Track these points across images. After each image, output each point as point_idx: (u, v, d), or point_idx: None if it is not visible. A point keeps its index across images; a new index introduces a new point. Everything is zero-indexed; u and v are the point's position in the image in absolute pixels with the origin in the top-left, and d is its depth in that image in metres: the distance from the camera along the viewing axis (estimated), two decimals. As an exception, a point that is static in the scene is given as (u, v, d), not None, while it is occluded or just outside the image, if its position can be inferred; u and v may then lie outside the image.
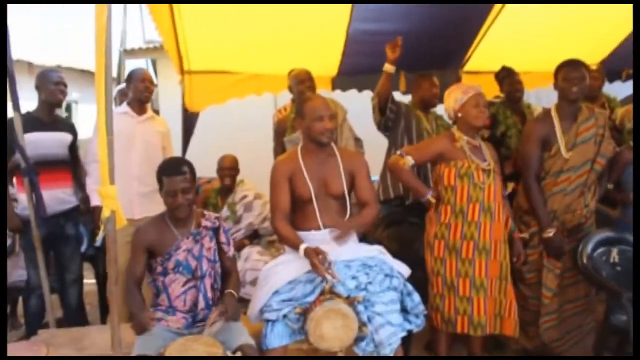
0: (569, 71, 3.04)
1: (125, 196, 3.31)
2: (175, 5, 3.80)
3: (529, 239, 3.09)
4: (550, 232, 2.98)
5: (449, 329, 2.92)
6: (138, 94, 3.55)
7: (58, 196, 3.36)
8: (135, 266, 2.57)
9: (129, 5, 5.61)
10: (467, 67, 5.20)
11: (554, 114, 3.09)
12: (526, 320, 3.14)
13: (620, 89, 5.10)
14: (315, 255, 2.42)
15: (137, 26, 6.52)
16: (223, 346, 2.33)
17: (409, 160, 2.94)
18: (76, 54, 7.54)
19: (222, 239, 2.67)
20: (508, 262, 2.94)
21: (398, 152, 3.03)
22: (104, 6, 2.13)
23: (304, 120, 2.73)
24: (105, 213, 2.01)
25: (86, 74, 7.58)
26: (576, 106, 3.08)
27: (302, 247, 2.50)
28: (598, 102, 4.11)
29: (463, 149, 2.90)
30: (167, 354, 2.24)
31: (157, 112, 4.49)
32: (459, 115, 2.93)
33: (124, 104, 3.65)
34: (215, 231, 2.66)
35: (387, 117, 3.67)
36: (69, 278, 3.49)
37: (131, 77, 3.68)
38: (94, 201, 3.39)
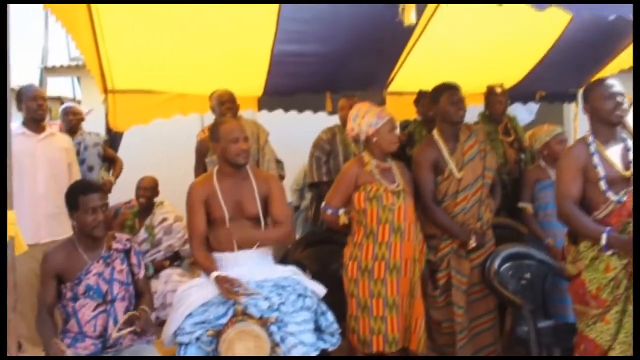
0: (453, 95, 3.23)
1: (32, 218, 3.34)
2: (97, 24, 3.80)
3: (438, 263, 3.24)
4: (473, 242, 3.17)
5: (366, 350, 3.03)
6: (31, 113, 3.53)
7: None
8: (46, 293, 2.59)
9: (51, 22, 5.54)
10: (390, 88, 5.43)
11: (437, 138, 3.27)
12: (444, 344, 3.30)
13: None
14: (224, 283, 2.55)
15: (62, 43, 6.46)
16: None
17: (334, 212, 3.06)
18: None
19: (134, 260, 2.71)
20: (417, 279, 3.09)
21: (323, 208, 3.13)
22: None
23: (219, 143, 2.82)
24: (8, 236, 2.01)
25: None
26: (457, 127, 3.28)
27: (214, 274, 2.62)
28: (502, 123, 4.36)
29: (372, 173, 3.03)
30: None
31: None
32: (374, 139, 3.05)
33: (20, 124, 3.59)
34: (127, 253, 2.69)
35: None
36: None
37: (21, 96, 3.63)
38: None
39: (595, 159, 2.47)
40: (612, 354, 2.39)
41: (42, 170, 3.42)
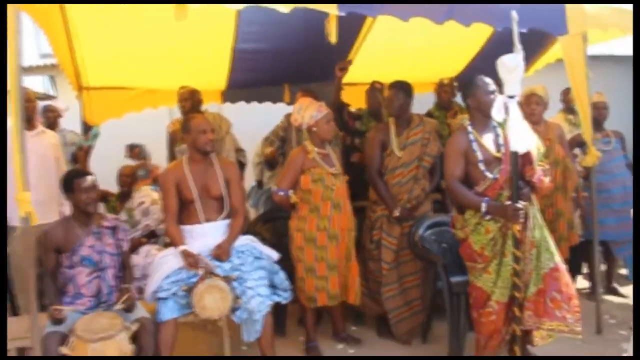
0: (396, 90, 4.04)
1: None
2: (70, 25, 4.32)
3: (374, 223, 4.03)
4: (397, 212, 3.94)
5: (312, 305, 3.81)
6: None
7: None
8: (48, 262, 3.29)
9: (23, 21, 6.08)
10: (344, 80, 6.14)
11: (391, 122, 4.06)
12: (374, 290, 4.10)
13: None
14: (187, 258, 3.32)
15: (32, 40, 7.00)
16: (122, 319, 3.07)
17: (285, 193, 3.78)
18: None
19: (120, 235, 3.42)
20: (352, 245, 3.89)
21: (274, 190, 3.86)
22: (13, 7, 2.70)
23: (189, 134, 3.55)
24: (21, 213, 2.70)
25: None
26: (408, 116, 4.06)
27: (180, 248, 3.38)
28: (452, 110, 5.19)
29: (315, 159, 3.79)
30: (77, 327, 2.96)
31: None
32: (314, 129, 3.80)
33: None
34: (114, 230, 3.40)
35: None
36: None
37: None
38: None
39: (474, 145, 3.24)
40: (494, 297, 3.19)
41: (33, 163, 4.00)
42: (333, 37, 3.17)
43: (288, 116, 4.89)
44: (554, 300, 3.16)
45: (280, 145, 4.82)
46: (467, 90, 3.33)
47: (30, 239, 2.83)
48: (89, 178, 3.29)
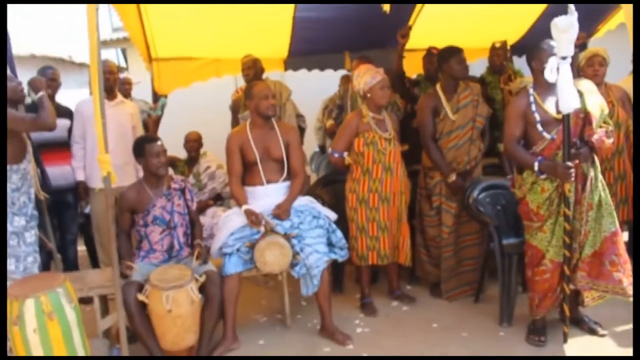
0: (460, 56, 4.08)
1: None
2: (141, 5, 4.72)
3: (433, 189, 4.17)
4: (452, 177, 4.06)
5: (363, 263, 4.03)
6: (106, 83, 4.39)
7: (62, 172, 4.34)
8: (123, 222, 3.65)
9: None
10: (406, 46, 6.22)
11: (439, 88, 4.14)
12: (436, 256, 4.26)
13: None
14: (250, 216, 3.58)
15: (105, 15, 7.43)
16: (192, 271, 3.39)
17: (340, 155, 3.99)
18: (47, 43, 8.43)
19: (188, 196, 3.73)
20: (403, 207, 4.07)
21: (330, 152, 4.06)
22: (94, 6, 3.00)
23: (252, 100, 3.80)
24: (103, 173, 3.03)
25: (58, 61, 8.52)
26: (457, 82, 4.15)
27: (244, 207, 3.64)
28: (505, 74, 5.20)
29: (369, 123, 3.95)
30: (152, 277, 3.30)
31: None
32: (368, 95, 3.97)
33: None
34: (182, 191, 3.72)
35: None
36: (69, 238, 4.52)
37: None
38: (79, 176, 4.40)
39: (533, 107, 3.31)
40: (548, 256, 3.30)
41: (112, 130, 4.33)
42: (387, 7, 3.29)
43: (345, 84, 5.05)
44: (612, 263, 3.24)
45: (338, 113, 4.98)
46: (532, 53, 3.38)
47: (110, 198, 3.15)
48: (158, 143, 3.60)
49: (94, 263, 5.00)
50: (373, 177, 3.96)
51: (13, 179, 3.35)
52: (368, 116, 3.97)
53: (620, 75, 5.05)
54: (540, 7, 5.51)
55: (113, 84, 4.55)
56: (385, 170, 3.96)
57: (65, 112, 4.53)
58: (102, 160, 3.00)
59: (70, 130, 4.52)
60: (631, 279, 3.23)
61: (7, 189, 3.30)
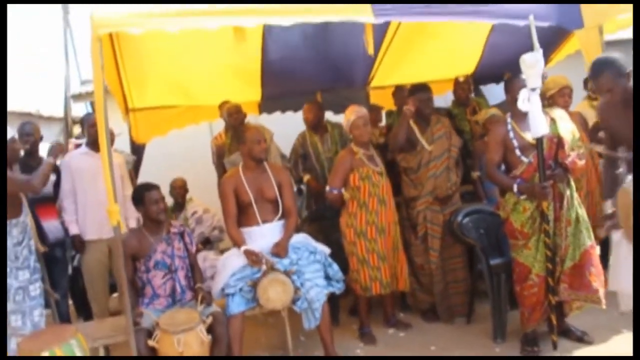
0: (422, 94, 4.41)
1: (96, 219, 4.43)
2: (118, 55, 4.78)
3: (417, 219, 4.42)
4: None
5: (367, 294, 4.23)
6: (91, 137, 4.55)
7: (49, 227, 4.41)
8: (127, 270, 3.74)
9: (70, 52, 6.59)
10: (373, 84, 6.57)
11: (412, 123, 4.43)
12: (426, 283, 4.49)
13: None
14: (250, 256, 3.76)
15: (73, 68, 7.53)
16: (199, 313, 3.52)
17: (338, 191, 4.21)
18: (13, 98, 8.50)
19: (187, 240, 3.89)
20: (398, 237, 4.31)
21: (327, 189, 4.28)
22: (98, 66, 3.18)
23: (245, 144, 4.01)
24: (113, 223, 3.16)
25: (26, 116, 8.60)
26: (428, 116, 4.46)
27: (243, 248, 3.82)
28: (470, 106, 5.58)
29: (361, 159, 4.21)
30: (161, 322, 3.41)
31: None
32: (353, 133, 4.24)
33: (84, 146, 4.71)
34: (182, 235, 3.87)
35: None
36: (59, 293, 4.54)
37: (83, 123, 4.75)
38: (73, 230, 4.47)
39: (511, 134, 3.65)
40: (534, 271, 3.59)
41: (102, 181, 4.48)
42: (371, 48, 3.58)
43: (303, 134, 5.29)
44: (591, 274, 3.56)
45: (304, 162, 5.21)
46: (506, 86, 3.75)
47: (121, 246, 3.27)
48: (157, 190, 3.75)
49: (85, 316, 5.03)
50: (369, 209, 4.20)
51: (14, 233, 3.46)
52: (359, 152, 4.22)
53: (579, 96, 5.47)
54: (483, 38, 5.89)
55: (98, 137, 4.67)
56: (380, 202, 4.21)
57: (38, 163, 4.59)
58: (111, 210, 3.14)
59: (56, 185, 4.58)
60: (604, 289, 3.55)
61: (9, 243, 3.40)
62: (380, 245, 4.20)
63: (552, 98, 4.53)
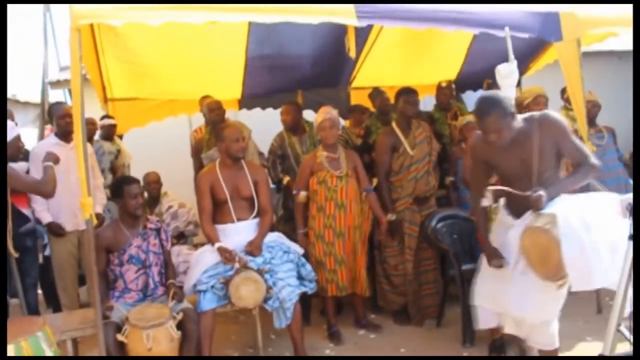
0: (408, 97, 4.44)
1: (69, 211, 4.40)
2: (99, 45, 4.78)
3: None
4: (392, 216, 4.38)
5: (324, 294, 4.27)
6: (62, 128, 4.49)
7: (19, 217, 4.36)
8: (99, 262, 3.69)
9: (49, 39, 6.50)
10: (354, 84, 6.60)
11: (395, 126, 4.49)
12: (398, 284, 4.53)
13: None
14: (223, 253, 3.75)
15: (52, 54, 7.45)
16: (170, 309, 3.51)
17: (302, 195, 4.29)
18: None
19: (163, 236, 3.87)
20: (358, 241, 4.33)
21: (294, 192, 4.34)
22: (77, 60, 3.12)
23: (223, 142, 3.99)
24: (86, 216, 3.13)
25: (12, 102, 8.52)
26: (410, 119, 4.51)
27: (216, 245, 3.81)
28: (451, 111, 5.63)
29: (322, 163, 4.25)
30: (130, 316, 3.39)
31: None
32: (319, 134, 4.30)
33: (52, 135, 4.62)
34: (158, 231, 3.85)
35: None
36: (29, 282, 4.48)
37: (52, 113, 4.68)
38: (45, 219, 4.41)
39: None
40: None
41: (73, 172, 4.41)
42: (353, 52, 3.60)
43: (281, 134, 5.26)
44: None
45: (282, 163, 5.19)
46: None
47: (92, 239, 3.24)
48: (136, 185, 3.73)
49: (54, 307, 4.99)
50: (327, 213, 4.25)
51: None
52: (322, 156, 4.27)
53: (556, 105, 5.56)
54: (465, 45, 5.97)
55: (70, 127, 4.60)
56: (337, 206, 4.25)
57: (24, 156, 4.53)
58: (84, 203, 3.12)
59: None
60: None
61: None
62: (337, 249, 4.26)
63: (528, 107, 4.59)
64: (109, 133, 5.99)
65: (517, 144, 2.97)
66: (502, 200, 3.21)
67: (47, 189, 3.50)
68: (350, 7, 3.42)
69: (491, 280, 3.17)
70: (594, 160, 2.97)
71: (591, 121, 5.02)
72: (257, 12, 3.30)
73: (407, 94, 4.49)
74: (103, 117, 5.98)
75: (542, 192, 2.82)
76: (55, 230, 4.40)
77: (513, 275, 3.01)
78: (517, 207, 3.03)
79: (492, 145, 3.01)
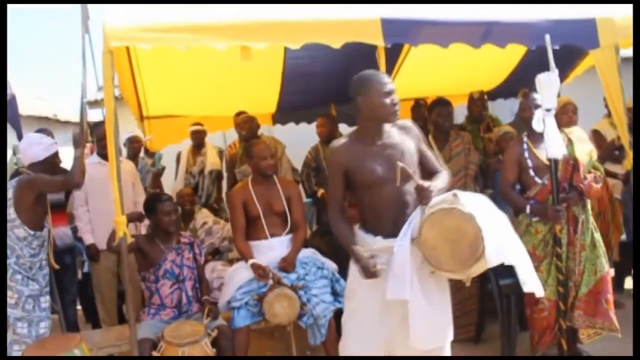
0: (442, 109, 4.39)
1: (107, 228, 4.44)
2: (134, 62, 4.85)
3: None
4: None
5: None
6: (102, 147, 4.58)
7: (58, 234, 4.42)
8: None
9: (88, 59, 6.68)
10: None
11: (431, 139, 4.42)
12: None
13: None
14: (257, 270, 3.73)
15: (91, 74, 7.61)
16: (205, 326, 3.52)
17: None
18: (31, 102, 8.62)
19: (197, 250, 3.90)
20: None
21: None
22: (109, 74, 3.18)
23: (252, 159, 4.02)
24: (119, 234, 3.18)
25: (44, 120, 8.74)
26: (448, 131, 4.44)
27: (250, 261, 3.80)
28: (484, 122, 5.53)
29: None
30: (166, 333, 3.41)
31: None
32: None
33: (95, 155, 4.75)
34: (191, 245, 3.89)
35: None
36: (68, 299, 4.57)
37: (93, 133, 4.79)
38: (88, 240, 4.50)
39: (526, 154, 3.62)
40: (545, 294, 3.49)
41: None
42: (382, 69, 3.57)
43: (316, 147, 5.24)
44: (607, 301, 3.53)
45: (317, 175, 5.16)
46: (522, 104, 3.76)
47: (129, 258, 3.29)
48: (170, 202, 3.79)
49: (93, 323, 5.07)
50: None
51: (34, 244, 3.51)
52: None
53: (593, 119, 5.41)
54: (519, 56, 5.86)
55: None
56: None
57: (63, 173, 4.63)
58: (118, 222, 3.16)
59: (67, 192, 4.62)
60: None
61: (26, 253, 3.44)
62: None
63: (556, 116, 4.47)
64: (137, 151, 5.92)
65: (383, 148, 2.78)
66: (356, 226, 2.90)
67: (75, 180, 3.52)
68: (377, 24, 3.41)
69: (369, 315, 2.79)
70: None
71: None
72: (282, 36, 3.34)
73: (441, 105, 4.43)
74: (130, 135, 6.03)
75: (429, 183, 2.66)
76: (93, 253, 4.47)
77: (411, 298, 2.63)
78: (380, 222, 2.77)
79: (356, 150, 2.79)
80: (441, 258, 2.57)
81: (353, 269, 2.79)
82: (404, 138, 2.83)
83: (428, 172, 2.92)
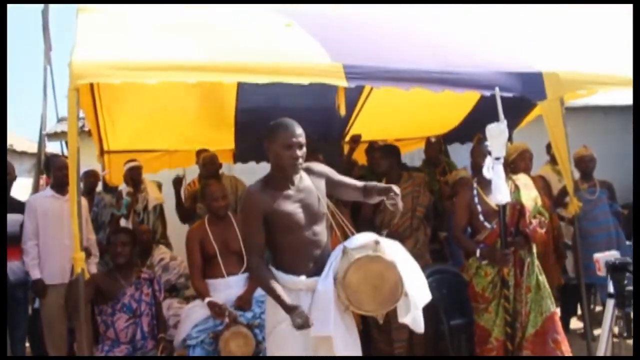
0: (374, 154, 4.59)
1: (60, 263, 4.40)
2: (96, 95, 4.83)
3: None
4: None
5: None
6: (58, 180, 4.54)
7: (12, 268, 4.34)
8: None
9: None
10: (348, 138, 6.70)
11: (384, 181, 4.56)
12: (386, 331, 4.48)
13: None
14: (213, 308, 3.76)
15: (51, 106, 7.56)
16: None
17: None
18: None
19: (156, 287, 3.95)
20: None
21: None
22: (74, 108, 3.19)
23: (205, 200, 4.11)
24: (77, 270, 3.17)
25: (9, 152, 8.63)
26: (397, 173, 4.61)
27: (207, 300, 3.83)
28: (440, 166, 5.73)
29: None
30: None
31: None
32: None
33: (48, 188, 4.69)
34: (151, 281, 3.92)
35: None
36: (17, 335, 4.45)
37: (49, 166, 4.77)
38: (35, 275, 4.39)
39: (476, 199, 3.79)
40: (493, 334, 3.67)
41: (67, 225, 4.31)
42: (342, 110, 3.71)
43: None
44: (555, 341, 3.68)
45: None
46: (473, 151, 3.96)
47: (86, 291, 3.27)
48: (123, 235, 3.88)
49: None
50: None
51: None
52: None
53: (535, 165, 5.65)
54: (472, 102, 6.09)
55: (65, 180, 4.66)
56: None
57: (18, 207, 4.55)
58: (77, 258, 3.16)
59: (21, 225, 4.53)
60: (569, 354, 3.65)
61: None
62: None
63: (514, 162, 4.69)
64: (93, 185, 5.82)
65: (298, 192, 2.83)
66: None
67: None
68: (339, 67, 3.54)
69: None
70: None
71: (588, 175, 5.12)
72: (247, 73, 3.43)
73: (373, 150, 4.62)
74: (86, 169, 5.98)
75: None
76: (39, 289, 4.39)
77: (334, 333, 2.68)
78: (301, 263, 2.81)
79: (273, 195, 2.78)
80: (363, 300, 2.71)
81: (272, 304, 2.82)
82: (315, 181, 2.92)
83: (353, 190, 3.07)
